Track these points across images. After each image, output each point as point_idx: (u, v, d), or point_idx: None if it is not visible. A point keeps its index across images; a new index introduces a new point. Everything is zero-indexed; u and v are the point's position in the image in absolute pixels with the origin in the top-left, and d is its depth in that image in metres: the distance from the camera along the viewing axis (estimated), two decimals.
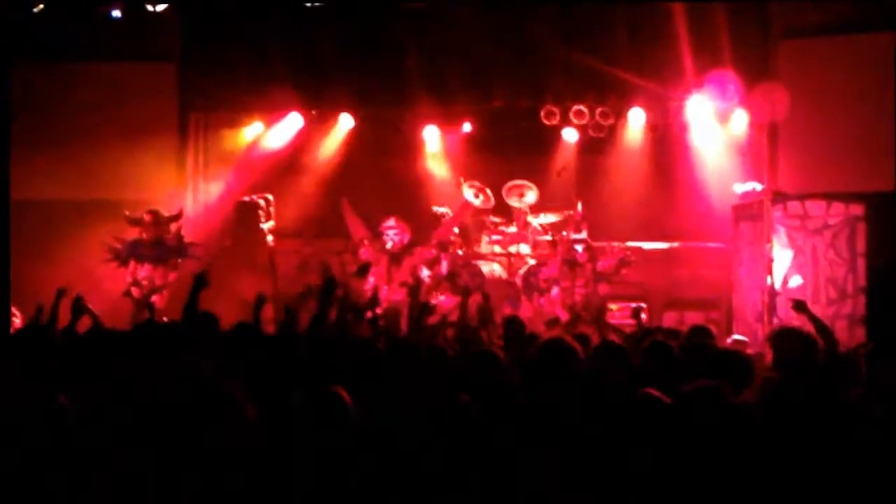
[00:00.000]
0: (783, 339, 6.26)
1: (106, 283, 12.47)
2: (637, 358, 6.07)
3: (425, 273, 13.01)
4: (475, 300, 9.35)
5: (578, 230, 13.41)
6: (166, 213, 13.26)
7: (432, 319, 11.88)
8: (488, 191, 14.36)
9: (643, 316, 10.90)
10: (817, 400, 4.74)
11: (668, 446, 4.06)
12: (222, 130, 15.08)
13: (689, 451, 4.13)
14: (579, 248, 13.20)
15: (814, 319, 7.02)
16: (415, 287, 8.69)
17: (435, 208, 14.33)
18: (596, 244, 13.55)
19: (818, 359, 5.85)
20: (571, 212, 13.82)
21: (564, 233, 13.68)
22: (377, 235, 13.52)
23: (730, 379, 5.03)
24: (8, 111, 11.87)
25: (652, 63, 13.89)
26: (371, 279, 12.96)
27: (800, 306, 7.35)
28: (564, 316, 12.03)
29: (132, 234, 13.09)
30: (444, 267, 13.21)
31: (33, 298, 11.14)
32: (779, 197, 12.36)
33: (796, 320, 11.02)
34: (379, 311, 12.20)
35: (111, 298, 11.92)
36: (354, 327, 7.50)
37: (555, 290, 13.22)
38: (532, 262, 13.86)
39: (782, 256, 12.14)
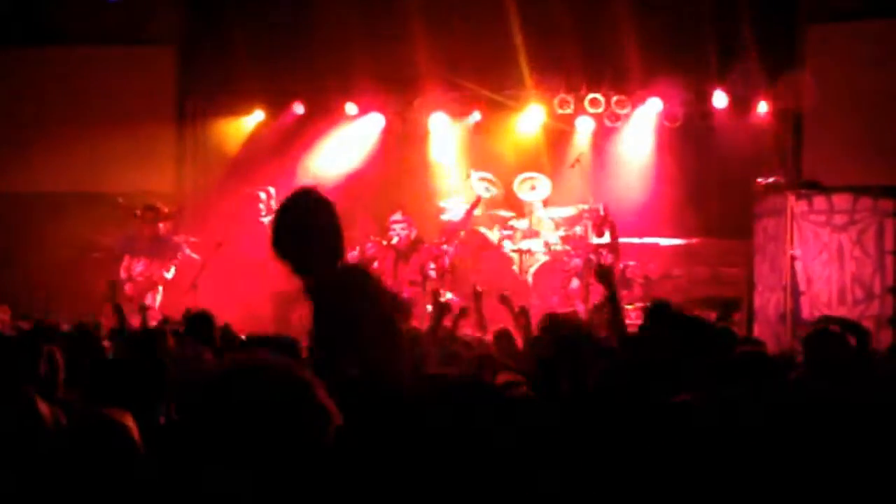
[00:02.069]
0: (817, 340, 6.22)
1: (98, 278, 12.45)
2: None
3: (432, 272, 12.96)
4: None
5: (601, 233, 13.29)
6: (164, 209, 13.23)
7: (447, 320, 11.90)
8: (498, 183, 14.24)
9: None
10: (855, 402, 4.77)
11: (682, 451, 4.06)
12: (222, 118, 15.05)
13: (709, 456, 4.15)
14: (603, 251, 13.10)
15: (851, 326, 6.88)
16: (441, 305, 8.52)
17: (443, 203, 14.27)
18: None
19: (854, 360, 5.80)
20: (586, 207, 13.70)
21: (579, 229, 13.59)
22: (383, 230, 13.45)
23: (756, 382, 5.02)
24: None
25: (671, 48, 13.78)
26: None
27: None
28: (584, 311, 11.95)
29: (125, 227, 13.07)
30: (446, 260, 13.11)
31: (21, 295, 11.26)
32: (804, 189, 12.27)
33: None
34: None
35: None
36: None
37: (575, 282, 13.14)
38: (544, 258, 13.78)
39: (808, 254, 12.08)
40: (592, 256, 13.00)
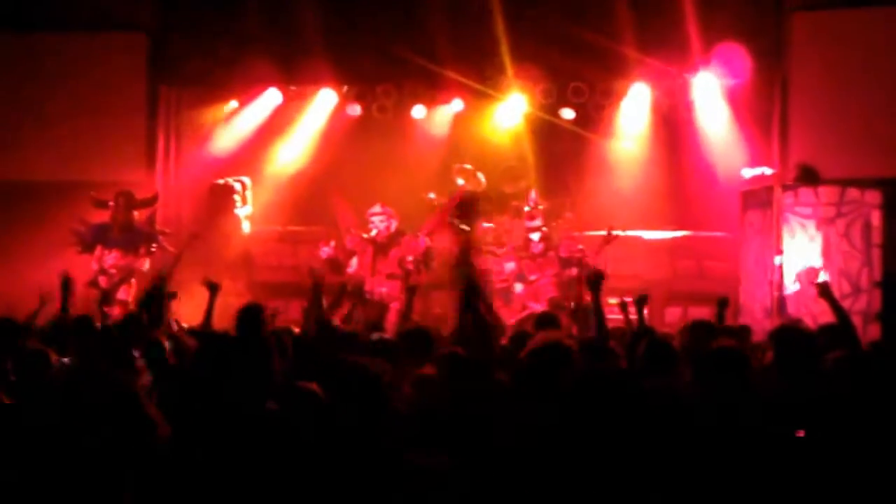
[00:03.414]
0: (784, 337, 6.34)
1: (69, 271, 12.50)
2: (634, 360, 6.24)
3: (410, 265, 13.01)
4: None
5: (532, 218, 13.43)
6: (138, 197, 13.26)
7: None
8: (480, 175, 14.38)
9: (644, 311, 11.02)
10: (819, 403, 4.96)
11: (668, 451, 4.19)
12: (195, 107, 15.10)
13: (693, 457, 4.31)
14: (534, 236, 13.27)
15: (837, 309, 7.09)
16: (411, 288, 8.73)
17: (425, 195, 14.35)
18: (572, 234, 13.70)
19: (822, 359, 5.93)
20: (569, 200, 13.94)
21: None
22: (363, 223, 13.51)
23: (731, 376, 5.19)
24: None
25: (656, 36, 13.85)
26: (353, 265, 13.01)
27: (824, 291, 7.34)
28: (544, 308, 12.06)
29: (98, 217, 13.13)
30: (421, 242, 13.15)
31: None
32: (810, 175, 12.37)
33: (807, 316, 11.26)
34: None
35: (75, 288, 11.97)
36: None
37: (518, 287, 13.25)
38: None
39: (794, 247, 12.20)
40: (523, 254, 13.23)
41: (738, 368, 5.24)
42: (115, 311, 11.38)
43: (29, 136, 14.07)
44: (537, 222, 13.39)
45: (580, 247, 13.05)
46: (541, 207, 13.73)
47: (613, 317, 9.72)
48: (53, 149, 14.10)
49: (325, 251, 12.79)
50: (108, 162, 14.09)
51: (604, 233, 12.74)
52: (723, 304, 7.95)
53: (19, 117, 14.19)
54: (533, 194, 13.72)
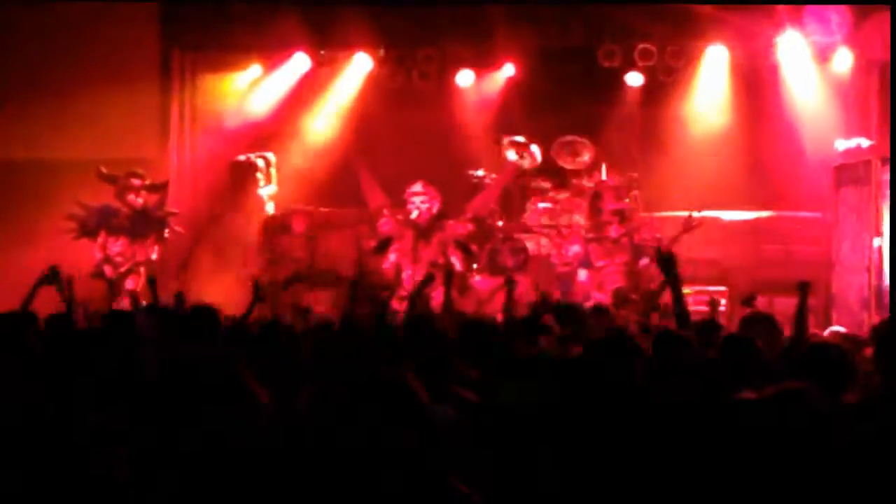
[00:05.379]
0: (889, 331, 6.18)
1: (75, 258, 12.47)
2: (713, 355, 6.04)
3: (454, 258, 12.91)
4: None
5: (620, 198, 13.30)
6: (147, 181, 13.26)
7: (468, 305, 11.95)
8: (534, 148, 14.26)
9: (722, 303, 10.86)
10: None
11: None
12: (213, 74, 15.06)
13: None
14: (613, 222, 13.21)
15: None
16: (449, 273, 8.72)
17: (471, 172, 14.24)
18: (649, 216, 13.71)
19: None
20: (636, 176, 13.88)
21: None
22: (400, 204, 13.45)
23: (825, 379, 4.99)
24: None
25: None
26: (392, 256, 12.92)
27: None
28: (607, 300, 12.02)
29: (101, 199, 13.08)
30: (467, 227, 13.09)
31: None
32: None
33: None
34: (403, 293, 12.25)
35: (80, 278, 11.95)
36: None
37: (582, 274, 13.19)
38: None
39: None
40: (590, 236, 13.17)
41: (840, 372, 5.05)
42: (124, 304, 11.30)
43: (30, 110, 14.04)
44: (617, 204, 13.30)
45: (658, 236, 12.93)
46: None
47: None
48: (58, 124, 14.06)
49: (384, 223, 12.79)
50: (115, 137, 14.01)
51: (684, 214, 12.79)
52: (804, 288, 7.53)
53: (19, 90, 14.16)
54: (604, 172, 13.63)
